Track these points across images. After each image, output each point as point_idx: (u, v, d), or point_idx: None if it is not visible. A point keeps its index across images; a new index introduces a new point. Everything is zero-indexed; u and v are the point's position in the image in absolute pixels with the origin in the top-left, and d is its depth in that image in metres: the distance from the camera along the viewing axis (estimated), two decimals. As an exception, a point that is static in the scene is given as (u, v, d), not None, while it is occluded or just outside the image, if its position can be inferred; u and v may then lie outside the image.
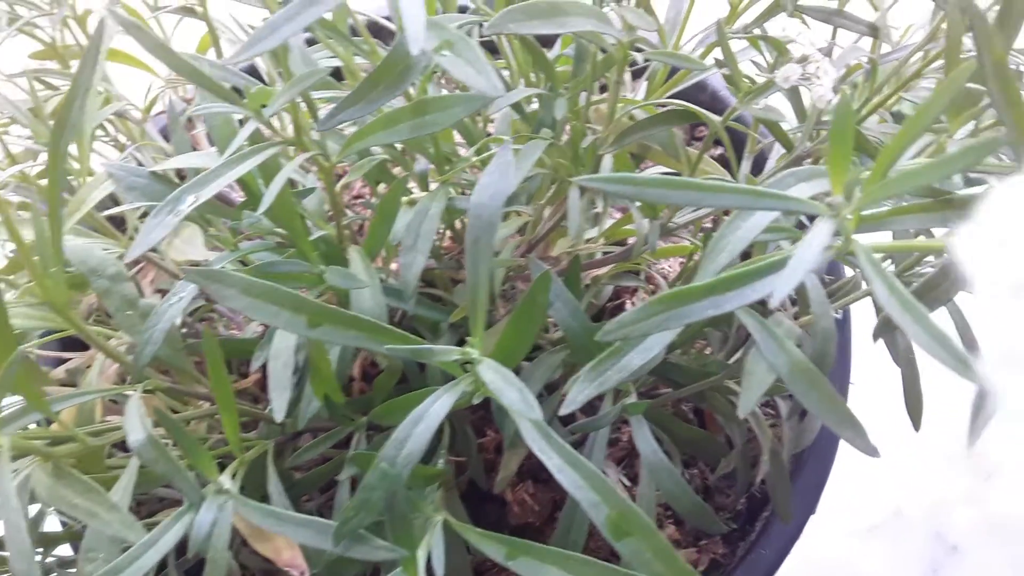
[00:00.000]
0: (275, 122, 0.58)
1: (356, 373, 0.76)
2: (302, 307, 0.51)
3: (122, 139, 0.87)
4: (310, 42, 0.68)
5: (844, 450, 1.12)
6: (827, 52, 0.55)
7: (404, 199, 0.69)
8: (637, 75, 0.82)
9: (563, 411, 0.52)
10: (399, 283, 0.61)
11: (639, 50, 0.59)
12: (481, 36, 0.52)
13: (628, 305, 0.82)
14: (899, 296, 0.36)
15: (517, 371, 0.66)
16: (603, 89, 0.70)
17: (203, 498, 0.54)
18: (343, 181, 0.73)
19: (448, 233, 0.74)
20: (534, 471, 0.76)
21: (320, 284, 0.60)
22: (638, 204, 0.63)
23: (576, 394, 0.52)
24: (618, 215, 0.74)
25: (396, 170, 0.73)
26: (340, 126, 0.59)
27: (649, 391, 0.74)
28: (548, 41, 0.76)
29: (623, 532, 0.48)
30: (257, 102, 0.55)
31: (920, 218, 0.46)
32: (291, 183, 0.76)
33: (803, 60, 0.52)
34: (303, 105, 0.58)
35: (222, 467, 0.58)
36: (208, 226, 0.68)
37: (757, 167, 0.74)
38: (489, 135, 0.68)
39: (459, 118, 0.53)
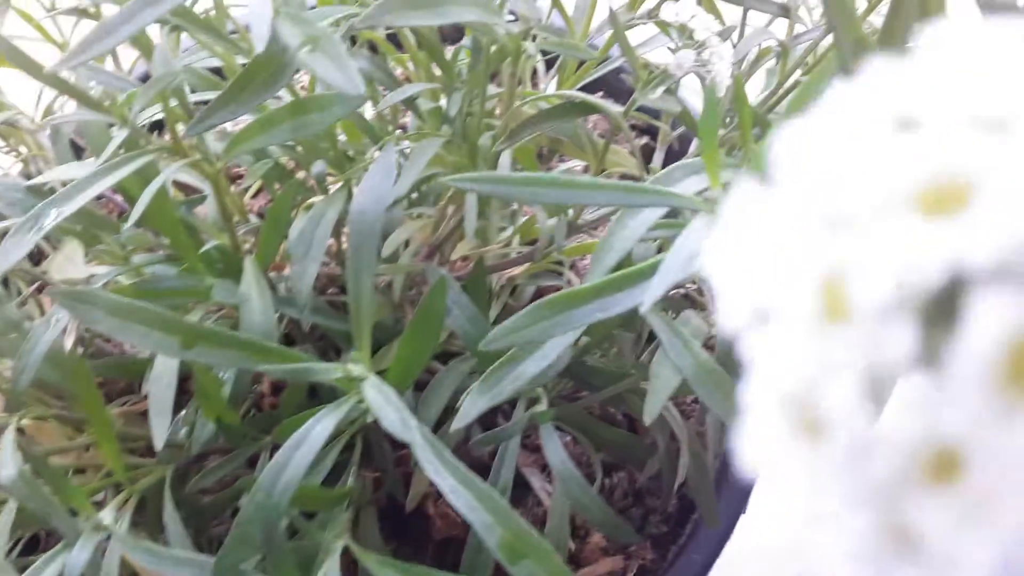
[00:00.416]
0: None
1: (267, 389, 0.73)
2: (173, 327, 0.48)
3: (24, 150, 0.83)
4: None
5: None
6: (725, 36, 0.52)
7: (307, 202, 0.66)
8: (553, 64, 0.79)
9: (455, 426, 0.49)
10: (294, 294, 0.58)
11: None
12: (352, 30, 0.48)
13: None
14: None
15: (425, 381, 0.64)
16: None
17: (79, 535, 0.51)
18: (242, 187, 0.70)
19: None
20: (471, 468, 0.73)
21: (209, 299, 0.57)
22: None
23: (469, 408, 0.49)
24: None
25: (303, 173, 0.70)
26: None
27: (572, 394, 0.71)
28: (460, 33, 0.73)
29: (518, 555, 0.45)
30: (123, 108, 0.51)
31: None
32: (187, 191, 0.72)
33: (699, 46, 0.49)
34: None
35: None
36: (96, 241, 0.64)
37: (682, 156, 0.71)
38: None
39: (339, 117, 0.50)
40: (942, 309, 0.13)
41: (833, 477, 0.14)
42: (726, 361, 0.52)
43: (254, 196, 0.78)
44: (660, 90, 0.52)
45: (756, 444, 0.15)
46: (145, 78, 0.85)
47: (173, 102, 0.54)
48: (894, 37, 0.37)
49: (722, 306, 0.14)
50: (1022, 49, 0.13)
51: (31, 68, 0.50)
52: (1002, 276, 0.12)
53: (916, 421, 0.13)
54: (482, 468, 0.64)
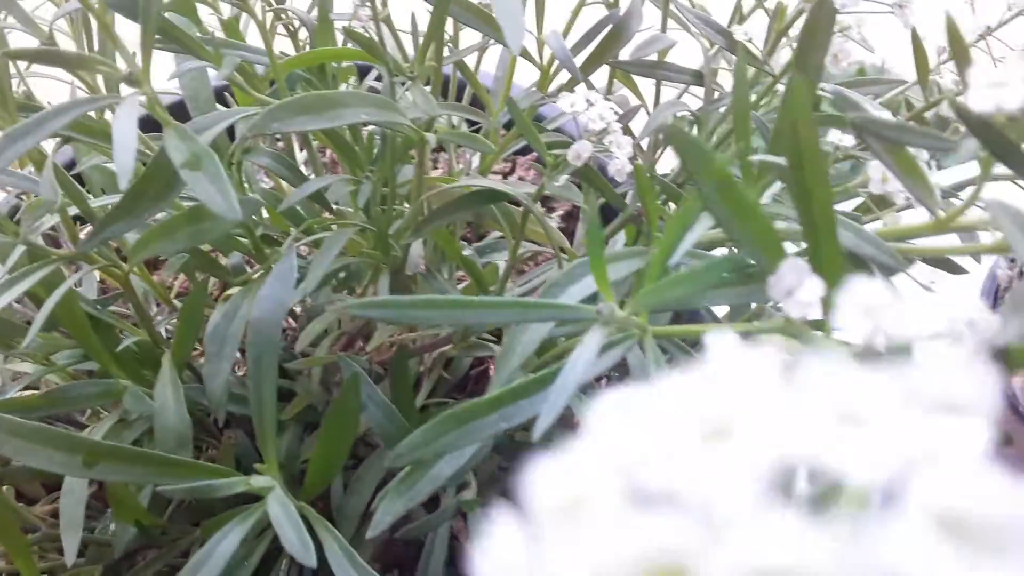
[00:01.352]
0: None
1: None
2: (76, 446, 0.47)
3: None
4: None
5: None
6: (628, 119, 0.52)
7: (226, 293, 0.66)
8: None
9: (370, 534, 0.48)
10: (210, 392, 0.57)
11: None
12: (246, 135, 0.48)
13: (492, 370, 0.79)
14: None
15: (349, 475, 0.63)
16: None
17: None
18: (163, 274, 0.69)
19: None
20: (399, 560, 0.72)
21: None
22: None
23: (383, 514, 0.48)
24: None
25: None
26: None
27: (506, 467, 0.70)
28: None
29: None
30: (14, 226, 0.51)
31: (725, 293, 0.44)
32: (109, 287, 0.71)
33: (599, 134, 0.49)
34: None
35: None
36: (13, 346, 0.63)
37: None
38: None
39: (233, 225, 0.49)
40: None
41: None
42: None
43: (175, 277, 0.78)
44: (563, 178, 0.51)
45: None
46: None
47: (72, 210, 0.53)
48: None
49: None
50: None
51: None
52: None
53: None
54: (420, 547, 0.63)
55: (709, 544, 0.11)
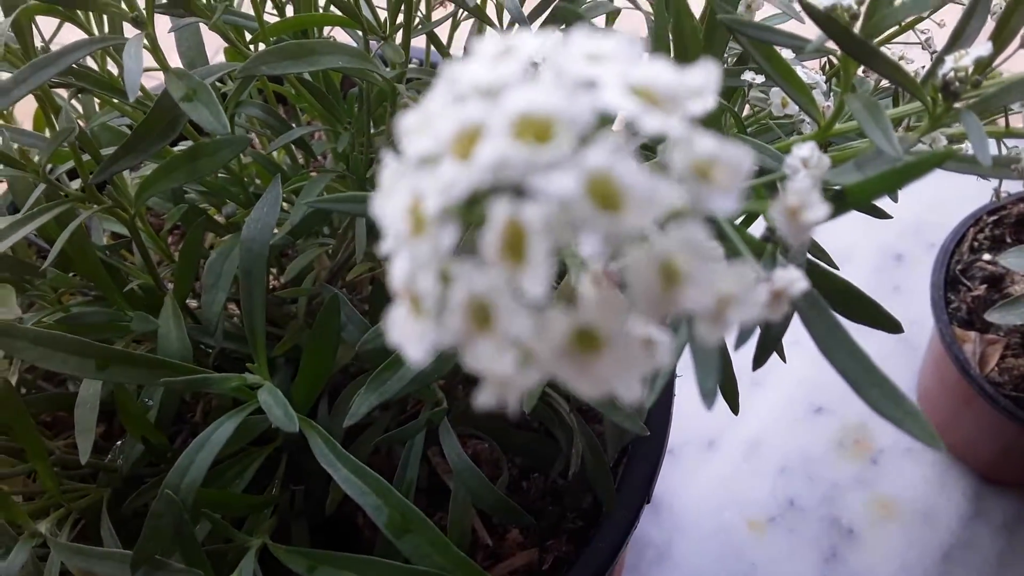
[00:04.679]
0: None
1: (199, 417, 0.78)
2: (88, 351, 0.54)
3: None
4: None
5: (729, 451, 1.17)
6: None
7: (221, 240, 0.73)
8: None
9: (347, 423, 0.55)
10: (206, 321, 0.64)
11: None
12: (236, 76, 0.55)
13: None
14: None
15: (337, 391, 0.70)
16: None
17: (15, 542, 0.56)
18: (164, 230, 0.76)
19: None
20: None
21: (129, 332, 0.63)
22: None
23: (358, 407, 0.55)
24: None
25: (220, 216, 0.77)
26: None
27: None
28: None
29: (403, 530, 0.51)
30: (37, 164, 0.58)
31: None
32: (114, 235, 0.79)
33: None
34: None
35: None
36: (27, 286, 0.71)
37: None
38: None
39: (228, 160, 0.57)
40: (470, 215, 0.20)
41: (425, 326, 0.20)
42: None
43: (180, 240, 0.85)
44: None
45: (394, 323, 0.21)
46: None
47: (86, 157, 0.60)
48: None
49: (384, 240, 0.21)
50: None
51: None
52: (497, 191, 0.19)
53: (461, 290, 0.19)
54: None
55: (491, 109, 0.19)
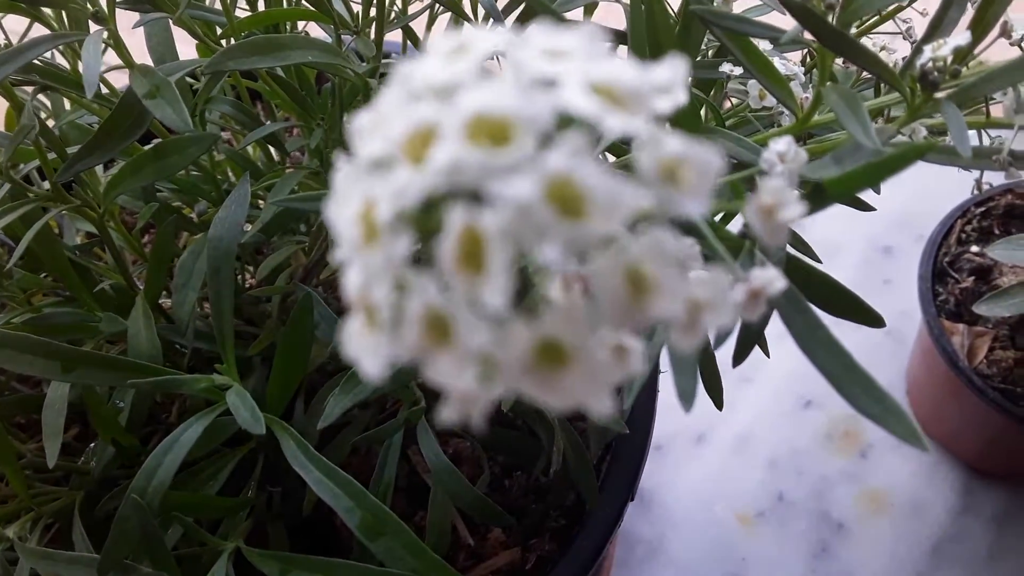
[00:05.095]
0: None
1: (174, 418, 0.77)
2: (54, 353, 0.53)
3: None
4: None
5: (719, 445, 1.16)
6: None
7: (192, 239, 0.71)
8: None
9: (320, 425, 0.54)
10: (178, 321, 0.63)
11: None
12: (203, 73, 0.54)
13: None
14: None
15: (313, 391, 0.69)
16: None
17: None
18: (136, 228, 0.75)
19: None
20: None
21: (98, 333, 0.62)
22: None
23: (331, 409, 0.54)
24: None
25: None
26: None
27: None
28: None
29: (376, 533, 0.50)
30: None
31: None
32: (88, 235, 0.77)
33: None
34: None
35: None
36: (-3, 287, 0.69)
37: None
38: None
39: (195, 157, 0.55)
40: (425, 222, 0.18)
41: (381, 340, 0.19)
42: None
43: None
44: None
45: (349, 336, 0.20)
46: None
47: (53, 155, 0.59)
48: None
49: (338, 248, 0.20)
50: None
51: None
52: (453, 196, 0.18)
53: (417, 302, 0.18)
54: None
55: (445, 109, 0.18)
